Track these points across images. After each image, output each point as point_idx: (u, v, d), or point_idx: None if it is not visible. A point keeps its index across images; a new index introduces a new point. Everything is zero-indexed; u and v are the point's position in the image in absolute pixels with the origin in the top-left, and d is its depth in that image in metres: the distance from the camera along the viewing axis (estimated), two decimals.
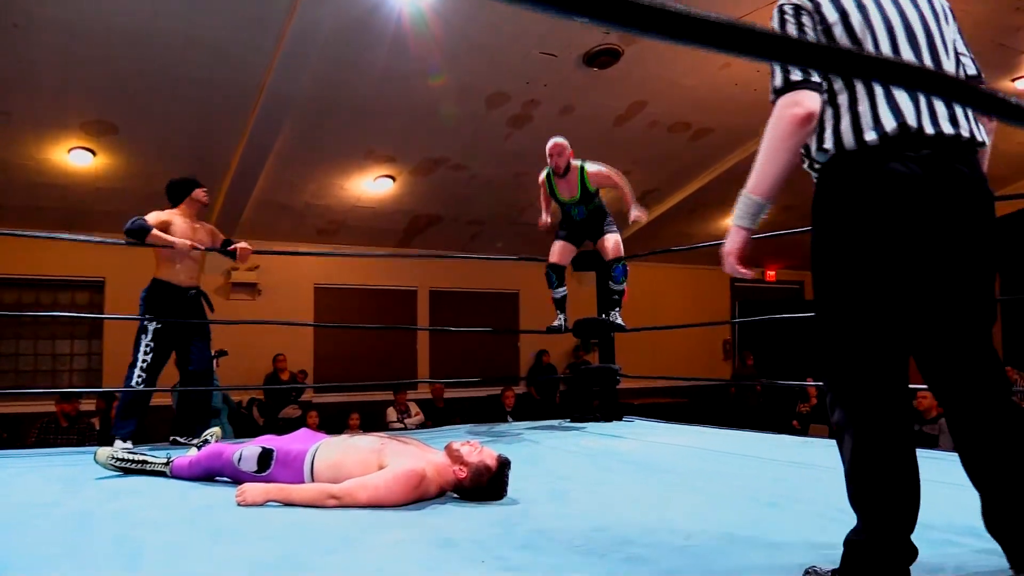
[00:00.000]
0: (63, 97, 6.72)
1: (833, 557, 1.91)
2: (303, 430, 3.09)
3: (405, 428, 8.59)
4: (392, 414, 9.06)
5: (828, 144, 1.68)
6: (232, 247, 4.76)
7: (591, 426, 5.03)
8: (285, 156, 8.04)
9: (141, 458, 3.17)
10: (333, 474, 2.71)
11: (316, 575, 1.90)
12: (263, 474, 2.81)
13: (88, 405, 7.99)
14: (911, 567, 1.62)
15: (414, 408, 9.25)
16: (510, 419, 8.65)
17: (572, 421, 5.32)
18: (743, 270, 1.78)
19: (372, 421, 8.92)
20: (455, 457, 2.73)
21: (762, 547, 2.05)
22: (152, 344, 4.44)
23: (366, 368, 10.11)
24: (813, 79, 1.64)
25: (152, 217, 4.41)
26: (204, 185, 4.72)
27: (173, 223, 4.50)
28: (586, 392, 6.16)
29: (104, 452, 3.21)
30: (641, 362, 9.23)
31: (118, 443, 4.23)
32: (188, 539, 2.22)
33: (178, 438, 4.48)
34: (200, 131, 7.45)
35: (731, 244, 1.77)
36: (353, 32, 6.39)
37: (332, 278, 10.44)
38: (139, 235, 4.30)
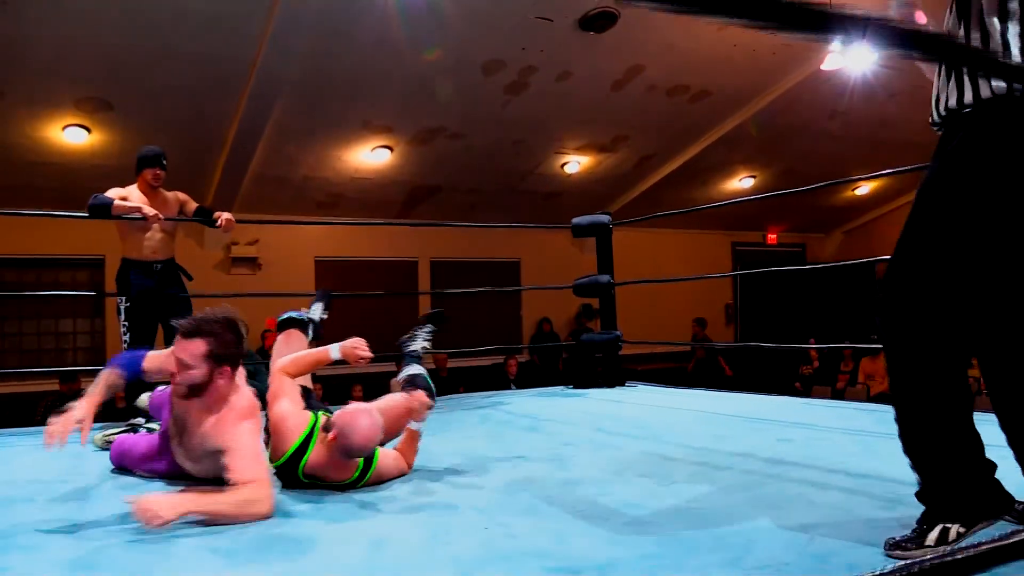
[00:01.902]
0: (56, 75, 6.65)
1: (836, 518, 1.93)
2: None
3: None
4: (395, 386, 9.08)
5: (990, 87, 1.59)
6: (215, 216, 4.69)
7: (594, 392, 5.04)
8: (281, 129, 7.98)
9: (123, 429, 3.15)
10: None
11: (319, 545, 1.91)
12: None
13: (91, 382, 8.02)
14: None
15: None
16: (513, 387, 8.68)
17: (575, 388, 5.34)
18: None
19: (375, 392, 8.91)
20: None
21: (766, 507, 2.06)
22: (127, 323, 4.44)
23: (369, 340, 10.09)
24: None
25: (112, 192, 4.39)
26: (164, 163, 4.54)
27: (129, 198, 4.45)
28: (588, 359, 6.16)
29: (98, 436, 3.22)
30: (643, 328, 9.23)
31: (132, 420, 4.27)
32: None
33: None
34: (194, 106, 7.39)
35: None
36: (345, 1, 6.31)
37: (333, 250, 10.42)
38: (102, 211, 4.27)
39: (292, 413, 2.55)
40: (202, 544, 1.93)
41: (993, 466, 1.67)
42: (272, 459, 2.47)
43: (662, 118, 9.02)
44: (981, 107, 1.59)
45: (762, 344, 5.57)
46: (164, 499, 2.03)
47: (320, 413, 2.60)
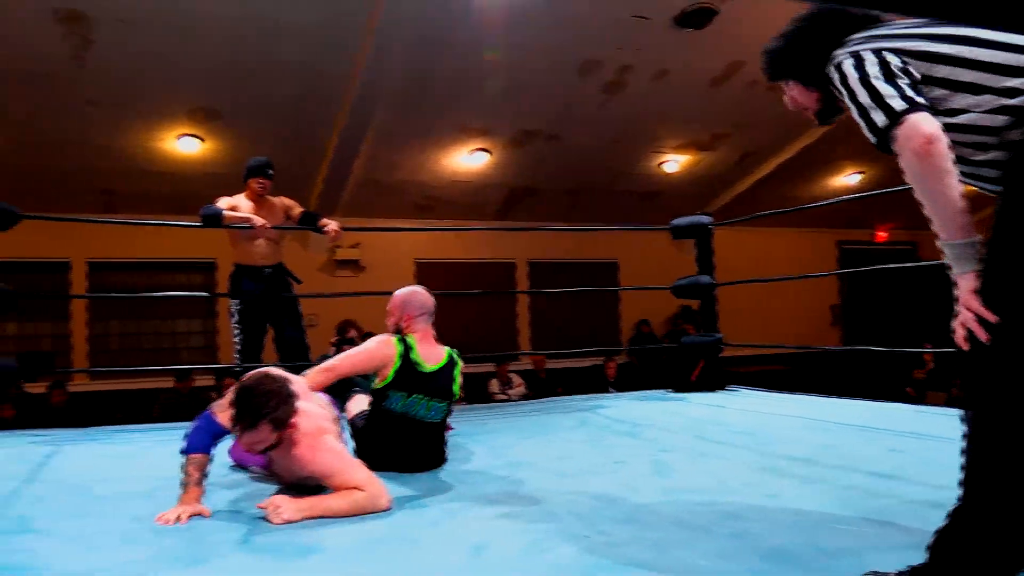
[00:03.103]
0: (169, 87, 7.00)
1: None
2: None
3: (507, 399, 8.67)
4: (494, 385, 9.16)
5: None
6: (322, 223, 4.84)
7: (694, 396, 4.94)
8: (381, 134, 8.17)
9: None
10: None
11: (421, 548, 1.94)
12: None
13: (206, 380, 8.41)
14: None
15: (516, 379, 9.33)
16: (612, 389, 8.62)
17: (675, 391, 5.25)
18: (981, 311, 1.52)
19: (474, 393, 9.04)
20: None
21: (876, 523, 1.97)
22: (240, 326, 4.65)
23: (468, 340, 10.22)
24: (918, 101, 1.54)
25: (223, 202, 4.59)
26: (269, 172, 4.76)
27: (238, 206, 4.66)
28: (689, 362, 6.06)
29: None
30: (746, 329, 9.00)
31: None
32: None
33: None
34: (299, 114, 7.64)
35: (965, 291, 1.55)
36: (440, 7, 6.40)
37: (432, 253, 10.58)
38: (213, 220, 4.47)
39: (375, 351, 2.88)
40: (308, 543, 1.98)
41: None
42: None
43: (764, 114, 8.78)
44: None
45: (870, 347, 5.35)
46: (291, 503, 2.20)
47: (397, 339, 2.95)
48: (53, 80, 6.69)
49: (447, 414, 3.00)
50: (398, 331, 3.04)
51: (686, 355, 5.71)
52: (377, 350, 2.90)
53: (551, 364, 10.25)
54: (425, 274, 10.46)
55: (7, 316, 8.80)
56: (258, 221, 4.55)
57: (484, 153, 9.05)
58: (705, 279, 5.27)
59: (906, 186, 1.64)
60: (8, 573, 1.75)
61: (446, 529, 2.09)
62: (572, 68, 7.61)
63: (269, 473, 2.76)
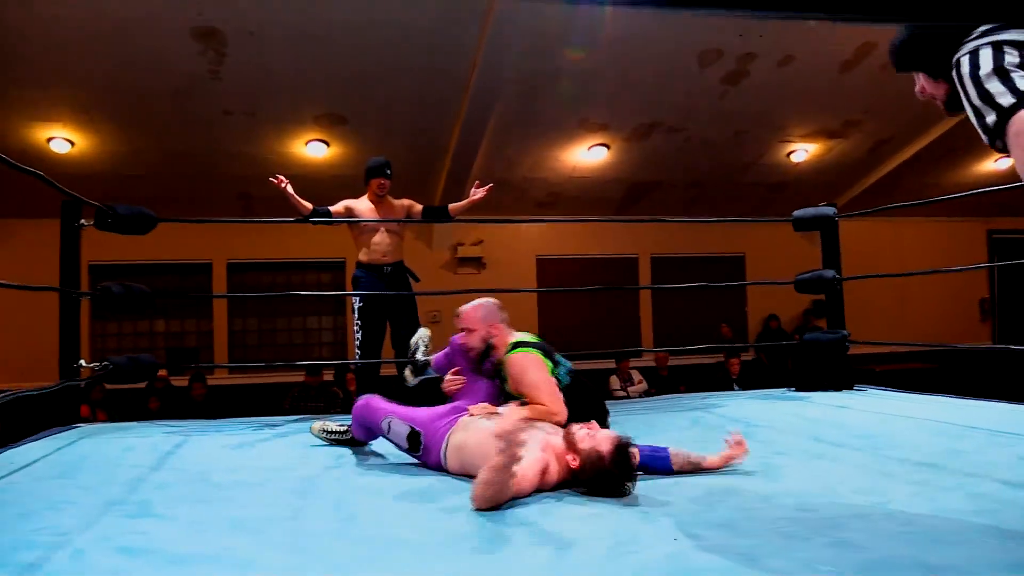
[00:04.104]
0: (298, 94, 7.32)
1: None
2: (447, 406, 3.01)
3: (628, 396, 8.58)
4: (615, 382, 9.08)
5: None
6: (453, 208, 4.98)
7: (817, 396, 4.73)
8: (501, 132, 8.24)
9: (340, 429, 3.37)
10: (458, 456, 2.68)
11: (508, 545, 1.94)
12: (416, 454, 2.86)
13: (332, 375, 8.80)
14: None
15: (637, 376, 9.22)
16: (736, 387, 8.39)
17: (797, 390, 5.05)
18: None
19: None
20: (569, 443, 2.44)
21: (995, 537, 1.82)
22: (360, 322, 4.80)
23: (589, 336, 10.20)
24: None
25: (338, 205, 4.81)
26: (388, 172, 4.89)
27: (356, 208, 4.81)
28: (814, 359, 5.81)
29: (316, 425, 3.48)
30: (885, 325, 8.55)
31: None
32: (399, 507, 2.36)
33: None
34: (420, 116, 7.82)
35: None
36: (554, 3, 6.39)
37: (554, 249, 10.61)
38: (324, 215, 4.72)
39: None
40: (401, 535, 2.03)
41: None
42: None
43: (899, 98, 8.28)
44: None
45: (1010, 346, 4.95)
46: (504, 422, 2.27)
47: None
48: (193, 93, 7.13)
49: None
50: (488, 344, 3.10)
51: (809, 352, 5.47)
52: (545, 367, 3.01)
53: (674, 361, 10.07)
54: (546, 270, 10.51)
55: (156, 314, 9.47)
56: (279, 180, 4.65)
57: (603, 148, 8.99)
58: (829, 273, 5.04)
59: None
60: (124, 554, 1.87)
61: (535, 527, 2.09)
62: (691, 59, 7.43)
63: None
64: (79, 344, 4.12)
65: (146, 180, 8.35)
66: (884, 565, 1.68)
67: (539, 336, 3.24)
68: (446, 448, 2.74)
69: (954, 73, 1.65)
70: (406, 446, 2.87)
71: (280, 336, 9.85)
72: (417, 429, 2.83)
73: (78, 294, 4.11)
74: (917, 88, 1.90)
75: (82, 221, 4.13)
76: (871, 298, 10.04)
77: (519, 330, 3.26)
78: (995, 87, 1.53)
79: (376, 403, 3.03)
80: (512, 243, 10.27)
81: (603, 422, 2.93)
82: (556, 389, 2.93)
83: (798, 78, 7.83)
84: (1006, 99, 1.50)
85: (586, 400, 3.10)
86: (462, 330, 3.13)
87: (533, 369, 2.96)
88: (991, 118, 1.53)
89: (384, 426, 2.93)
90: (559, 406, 2.88)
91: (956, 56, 1.64)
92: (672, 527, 2.04)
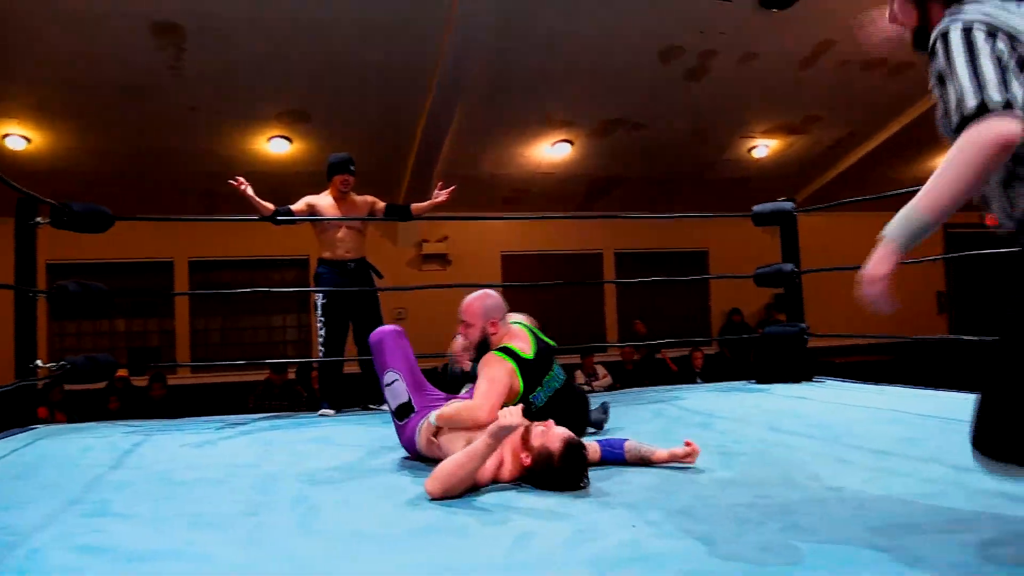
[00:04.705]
0: (260, 90, 7.26)
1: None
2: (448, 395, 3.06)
3: (592, 391, 8.63)
4: (579, 377, 9.13)
5: None
6: (415, 208, 4.95)
7: (777, 387, 4.82)
8: (465, 129, 8.24)
9: None
10: (427, 437, 2.75)
11: (467, 537, 1.95)
12: (400, 422, 2.89)
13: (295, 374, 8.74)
14: None
15: (602, 371, 9.27)
16: (699, 380, 8.47)
17: (758, 382, 5.13)
18: (887, 302, 1.56)
19: None
20: (524, 440, 2.46)
21: (945, 521, 1.87)
22: (323, 319, 4.78)
23: (554, 332, 10.22)
24: (1018, 95, 1.46)
25: (299, 203, 4.77)
26: (351, 168, 4.84)
27: (318, 205, 4.78)
28: (774, 352, 5.89)
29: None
30: (844, 318, 8.67)
31: (321, 410, 4.60)
32: (361, 500, 2.37)
33: (370, 404, 4.77)
34: (383, 112, 7.80)
35: (879, 266, 1.56)
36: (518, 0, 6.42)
37: (518, 245, 10.63)
38: (286, 215, 4.68)
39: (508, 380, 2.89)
40: (361, 528, 2.03)
41: None
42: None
43: (858, 95, 8.45)
44: None
45: (961, 336, 5.06)
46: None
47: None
48: (152, 89, 7.04)
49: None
50: (484, 339, 3.04)
51: (770, 345, 5.56)
52: (508, 379, 2.88)
53: (639, 356, 10.15)
54: (511, 266, 10.53)
55: (116, 314, 9.33)
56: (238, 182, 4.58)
57: (567, 144, 9.03)
58: (788, 267, 5.13)
59: None
60: (82, 552, 1.85)
61: (495, 518, 2.11)
62: (653, 55, 7.49)
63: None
64: (35, 344, 4.05)
65: (106, 178, 8.23)
66: (832, 550, 1.72)
67: (539, 329, 3.23)
68: (421, 427, 2.80)
69: (939, 45, 1.58)
70: (394, 410, 2.90)
71: (244, 335, 9.76)
72: (413, 404, 2.88)
73: (34, 292, 4.05)
74: (888, 14, 1.88)
75: (38, 219, 4.07)
76: (832, 291, 10.15)
77: (518, 313, 3.29)
78: (989, 75, 1.47)
79: (392, 347, 2.97)
80: (477, 239, 10.27)
81: (581, 429, 2.98)
82: (497, 393, 2.79)
83: (759, 75, 7.93)
84: (997, 94, 1.46)
85: (573, 409, 3.11)
86: (462, 322, 3.05)
87: (491, 369, 2.88)
88: (972, 103, 1.47)
89: (387, 377, 2.93)
90: (484, 407, 2.72)
91: (946, 24, 1.58)
92: (630, 515, 2.06)
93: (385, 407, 4.40)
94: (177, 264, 9.53)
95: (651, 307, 10.96)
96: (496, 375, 2.86)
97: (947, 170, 1.51)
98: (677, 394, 4.74)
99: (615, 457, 2.68)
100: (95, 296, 4.05)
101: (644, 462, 2.66)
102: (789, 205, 5.18)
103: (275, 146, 8.15)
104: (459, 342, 3.15)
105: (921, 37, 1.77)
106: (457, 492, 2.29)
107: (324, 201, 4.85)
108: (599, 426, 3.42)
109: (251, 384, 8.43)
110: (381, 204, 5.03)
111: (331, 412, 4.58)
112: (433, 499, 2.28)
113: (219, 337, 9.69)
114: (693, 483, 2.40)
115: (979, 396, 1.53)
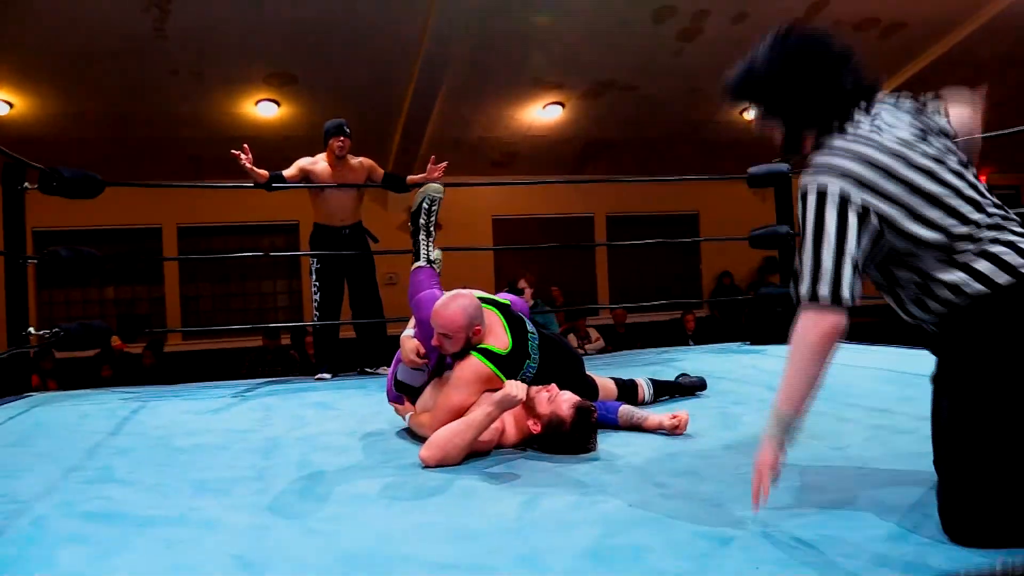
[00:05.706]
0: (246, 53, 7.14)
1: None
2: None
3: (586, 354, 8.65)
4: (572, 340, 9.15)
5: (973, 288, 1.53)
6: (411, 179, 4.89)
7: (772, 348, 4.83)
8: (455, 91, 8.15)
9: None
10: (422, 406, 2.73)
11: (475, 499, 1.96)
12: (396, 392, 2.86)
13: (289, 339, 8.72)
14: None
15: (594, 334, 9.28)
16: (691, 342, 8.50)
17: (752, 344, 5.15)
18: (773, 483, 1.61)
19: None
20: (529, 408, 2.45)
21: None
22: (318, 284, 4.74)
23: (546, 296, 10.24)
24: (844, 295, 1.55)
25: (293, 168, 4.66)
26: (347, 130, 4.70)
27: (313, 169, 4.70)
28: (768, 313, 5.91)
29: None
30: None
31: (319, 375, 4.60)
32: (366, 464, 2.37)
33: (366, 368, 4.77)
34: (372, 74, 7.69)
35: (765, 459, 1.61)
36: None
37: (509, 209, 10.57)
38: (279, 180, 4.57)
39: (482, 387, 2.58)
40: (367, 491, 2.04)
41: None
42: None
43: None
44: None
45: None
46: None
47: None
48: (137, 53, 6.92)
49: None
50: (468, 343, 2.67)
51: (764, 307, 5.57)
52: (482, 388, 2.58)
53: (631, 319, 10.17)
54: (503, 230, 10.48)
55: (105, 281, 9.26)
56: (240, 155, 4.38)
57: (558, 106, 8.95)
58: (783, 228, 5.12)
59: (1007, 131, 1.59)
60: (88, 519, 1.84)
61: (502, 481, 2.11)
62: (646, 16, 7.40)
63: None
64: (27, 311, 4.01)
65: (92, 143, 8.10)
66: (843, 509, 1.73)
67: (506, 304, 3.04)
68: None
69: (800, 201, 1.61)
70: (395, 380, 2.83)
71: (234, 301, 9.72)
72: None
73: (24, 258, 4.00)
74: (755, 124, 1.84)
75: (25, 184, 4.00)
76: None
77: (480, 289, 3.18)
78: (826, 262, 1.55)
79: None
80: (468, 204, 10.19)
81: (591, 393, 2.92)
82: (456, 412, 2.50)
83: (752, 35, 7.77)
84: (825, 288, 1.55)
85: (567, 369, 2.95)
86: (440, 334, 2.66)
87: (459, 389, 2.58)
88: (805, 289, 1.58)
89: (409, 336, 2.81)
90: (434, 425, 2.48)
91: (804, 183, 1.60)
92: (637, 477, 2.07)
93: (383, 370, 4.43)
94: (165, 230, 9.43)
95: (642, 270, 10.97)
96: (468, 389, 2.58)
97: (791, 366, 1.62)
98: (672, 356, 4.75)
99: (609, 421, 2.69)
100: (87, 261, 4.00)
101: (636, 427, 2.67)
102: (784, 167, 5.15)
103: (263, 109, 8.05)
104: (412, 344, 2.80)
105: (791, 146, 1.78)
106: (453, 461, 2.28)
107: (319, 166, 4.78)
108: (698, 388, 3.44)
109: (244, 350, 8.40)
110: (380, 171, 4.97)
111: (328, 376, 4.57)
112: (426, 467, 2.26)
113: (210, 304, 9.64)
114: (698, 444, 2.41)
115: (940, 480, 1.59)
